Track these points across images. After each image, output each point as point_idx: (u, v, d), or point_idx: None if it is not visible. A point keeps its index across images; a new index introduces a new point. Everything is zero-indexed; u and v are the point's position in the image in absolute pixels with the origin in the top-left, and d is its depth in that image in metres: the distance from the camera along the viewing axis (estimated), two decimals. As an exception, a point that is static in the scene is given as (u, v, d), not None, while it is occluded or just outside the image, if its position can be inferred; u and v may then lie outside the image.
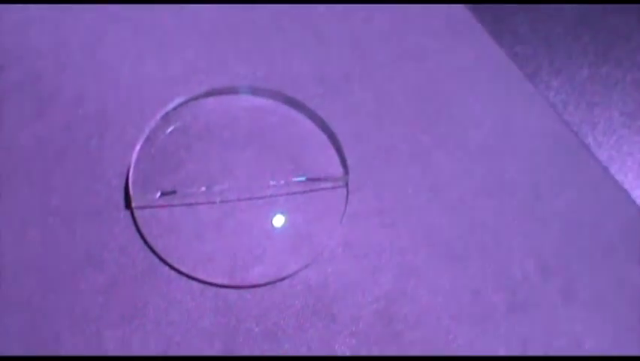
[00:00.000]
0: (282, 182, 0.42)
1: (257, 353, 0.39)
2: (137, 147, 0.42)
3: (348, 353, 0.39)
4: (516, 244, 0.42)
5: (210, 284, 0.40)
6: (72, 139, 0.43)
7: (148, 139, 0.43)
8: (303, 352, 0.39)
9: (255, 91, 0.44)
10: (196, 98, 0.44)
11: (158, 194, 0.41)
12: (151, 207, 0.41)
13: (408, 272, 0.41)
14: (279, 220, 0.42)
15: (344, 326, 0.40)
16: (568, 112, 0.45)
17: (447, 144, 0.44)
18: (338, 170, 0.43)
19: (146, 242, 0.41)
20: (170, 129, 0.43)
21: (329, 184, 0.43)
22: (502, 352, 0.40)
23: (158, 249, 0.41)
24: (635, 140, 0.43)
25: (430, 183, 0.43)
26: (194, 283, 0.41)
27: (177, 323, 0.39)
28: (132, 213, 0.41)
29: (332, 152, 0.43)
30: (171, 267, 0.41)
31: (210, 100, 0.44)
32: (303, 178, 0.42)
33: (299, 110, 0.44)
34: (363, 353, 0.39)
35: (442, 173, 0.44)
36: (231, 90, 0.44)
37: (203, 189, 0.42)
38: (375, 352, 0.39)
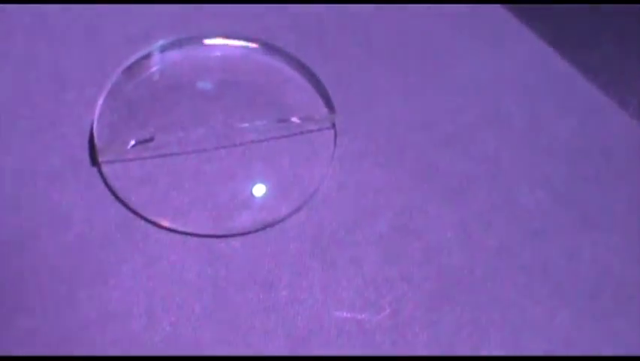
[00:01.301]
0: (263, 124, 0.40)
1: (253, 303, 0.36)
2: (100, 102, 0.40)
3: (353, 296, 0.36)
4: (523, 174, 0.41)
5: (193, 235, 0.38)
6: (26, 101, 0.40)
7: (111, 94, 0.40)
8: (304, 298, 0.36)
9: (225, 39, 0.42)
10: (161, 49, 0.42)
11: (132, 143, 0.38)
12: (120, 160, 0.39)
13: (410, 209, 0.39)
14: (263, 166, 0.39)
15: (346, 269, 0.37)
16: (559, 43, 0.44)
17: (436, 82, 0.43)
18: (323, 112, 0.41)
19: (117, 197, 0.38)
20: (134, 83, 0.41)
21: (315, 125, 0.41)
22: (522, 280, 0.37)
23: (131, 203, 0.38)
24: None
25: (423, 120, 0.42)
26: (175, 235, 0.37)
27: (159, 277, 0.36)
28: (100, 170, 0.39)
29: (315, 95, 0.41)
30: (147, 220, 0.38)
31: (177, 51, 0.42)
32: (285, 119, 0.40)
33: (275, 55, 0.42)
34: (371, 295, 0.36)
35: (435, 110, 0.42)
36: (199, 39, 0.42)
37: (179, 135, 0.39)
38: (384, 292, 0.37)
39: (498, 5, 0.46)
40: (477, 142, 0.41)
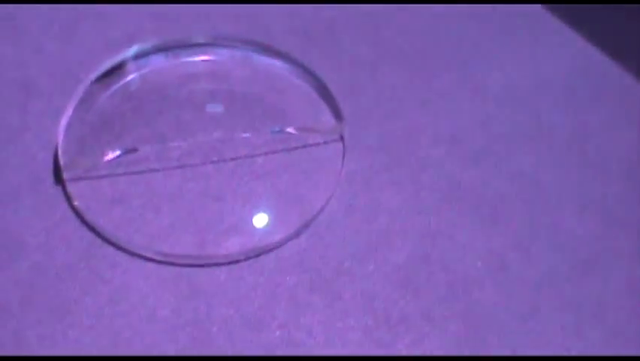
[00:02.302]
0: (259, 136, 0.35)
1: (238, 344, 0.30)
2: (68, 112, 0.35)
3: (361, 337, 0.30)
4: (568, 195, 0.35)
5: (170, 263, 0.32)
6: (-15, 111, 0.36)
7: (82, 103, 0.35)
8: (302, 339, 0.30)
9: (216, 41, 0.37)
10: (141, 54, 0.37)
11: (103, 158, 0.33)
12: (88, 178, 0.34)
13: (433, 235, 0.33)
14: (257, 184, 0.34)
15: (354, 305, 0.31)
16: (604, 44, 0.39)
17: (463, 89, 0.38)
18: (330, 122, 0.36)
19: (83, 220, 0.33)
20: (109, 91, 0.36)
21: (320, 137, 0.35)
22: (570, 320, 0.31)
23: (98, 226, 0.32)
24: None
25: (447, 132, 0.36)
26: (149, 264, 0.32)
27: (126, 314, 0.31)
28: (64, 189, 0.34)
29: (321, 103, 0.36)
30: (116, 246, 0.32)
31: (159, 56, 0.37)
32: (284, 129, 0.35)
33: (274, 59, 0.37)
34: (384, 337, 0.30)
35: (461, 121, 0.37)
36: (186, 42, 0.37)
37: (159, 149, 0.34)
38: (401, 332, 0.31)
39: (537, 5, 0.40)
40: (512, 158, 0.36)
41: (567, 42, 0.39)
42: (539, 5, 0.40)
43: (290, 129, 0.35)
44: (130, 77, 0.36)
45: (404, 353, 0.30)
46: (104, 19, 0.39)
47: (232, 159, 0.34)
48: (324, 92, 0.36)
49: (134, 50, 0.36)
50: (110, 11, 0.39)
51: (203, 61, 0.37)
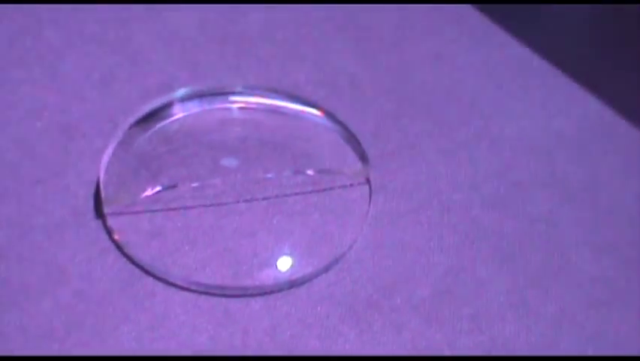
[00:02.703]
0: (289, 176, 0.37)
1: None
2: (109, 151, 0.37)
3: (392, 366, 0.32)
4: (583, 238, 0.37)
5: (206, 293, 0.34)
6: (28, 151, 0.38)
7: (121, 144, 0.37)
8: (334, 367, 0.32)
9: (248, 90, 0.40)
10: (179, 100, 0.39)
11: (142, 194, 0.35)
12: (128, 213, 0.36)
13: (456, 272, 0.35)
14: (288, 221, 0.36)
15: (383, 333, 0.33)
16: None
17: (481, 139, 0.40)
18: (357, 165, 0.38)
19: (122, 252, 0.35)
20: (147, 134, 0.38)
21: (347, 179, 0.37)
22: (589, 353, 0.33)
23: (137, 257, 0.34)
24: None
25: (468, 179, 0.38)
26: (186, 294, 0.34)
27: (164, 338, 0.32)
28: (104, 223, 0.35)
29: (347, 148, 0.38)
30: (155, 276, 0.34)
31: (194, 102, 0.39)
32: (313, 173, 0.37)
33: (303, 107, 0.39)
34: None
35: (481, 168, 0.39)
36: (221, 91, 0.40)
37: (195, 187, 0.36)
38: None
39: (547, 62, 0.43)
40: (529, 202, 0.38)
41: (577, 97, 0.42)
42: (551, 64, 0.43)
43: (318, 172, 0.37)
44: (168, 120, 0.38)
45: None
46: (140, 67, 0.42)
47: (264, 199, 0.37)
48: (351, 139, 0.38)
49: (176, 95, 0.39)
50: (146, 60, 0.42)
51: (238, 108, 0.39)
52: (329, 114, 0.39)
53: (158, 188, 0.36)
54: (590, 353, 0.33)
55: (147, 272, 0.34)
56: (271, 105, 0.39)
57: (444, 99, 0.41)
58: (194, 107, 0.39)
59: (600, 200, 0.38)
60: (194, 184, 0.36)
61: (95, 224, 0.36)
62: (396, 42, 0.44)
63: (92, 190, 0.37)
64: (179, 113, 0.39)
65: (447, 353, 0.33)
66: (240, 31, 0.44)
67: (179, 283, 0.34)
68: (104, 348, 0.32)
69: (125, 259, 0.35)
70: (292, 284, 0.34)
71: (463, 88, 0.42)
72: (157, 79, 0.41)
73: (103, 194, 0.35)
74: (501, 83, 0.42)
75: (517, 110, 0.41)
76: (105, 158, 0.36)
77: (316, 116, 0.39)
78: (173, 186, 0.36)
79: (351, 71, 0.42)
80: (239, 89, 0.40)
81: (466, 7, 0.45)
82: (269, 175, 0.37)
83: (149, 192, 0.36)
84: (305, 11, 0.45)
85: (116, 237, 0.35)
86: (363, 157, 0.38)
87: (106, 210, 0.35)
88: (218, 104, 0.39)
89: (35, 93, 0.40)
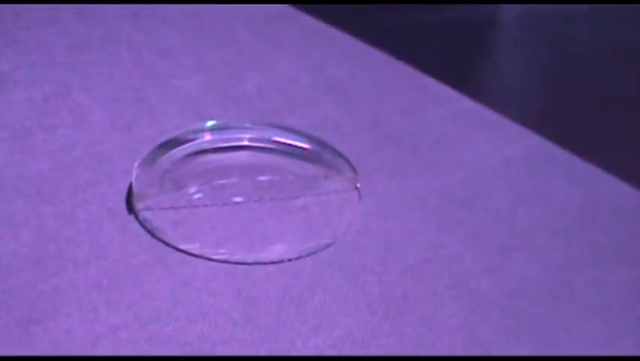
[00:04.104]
0: (294, 182, 0.45)
1: (282, 316, 0.38)
2: (137, 164, 0.44)
3: (385, 309, 0.39)
4: (536, 226, 0.45)
5: (227, 262, 0.41)
6: (68, 172, 0.45)
7: (147, 160, 0.45)
8: (335, 320, 0.39)
9: (252, 125, 0.48)
10: (192, 131, 0.47)
11: (176, 190, 0.43)
12: (156, 208, 0.43)
13: (435, 247, 0.43)
14: (295, 214, 0.43)
15: (378, 289, 0.40)
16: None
17: (447, 161, 0.49)
18: (348, 174, 0.46)
19: (153, 235, 0.42)
20: (167, 154, 0.46)
21: (341, 186, 0.45)
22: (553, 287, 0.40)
23: (167, 238, 0.41)
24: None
25: (439, 187, 0.47)
26: (210, 263, 0.40)
27: (193, 298, 0.39)
28: (136, 217, 0.42)
29: (341, 163, 0.46)
30: (184, 252, 0.41)
31: (208, 133, 0.47)
32: (313, 176, 0.45)
33: (299, 135, 0.48)
34: (401, 310, 0.39)
35: (449, 179, 0.47)
36: (231, 125, 0.48)
37: (214, 187, 0.44)
38: (414, 305, 0.39)
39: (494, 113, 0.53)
40: (491, 202, 0.46)
41: (516, 135, 0.51)
42: (498, 113, 0.52)
43: (318, 177, 0.45)
44: (185, 145, 0.46)
45: (418, 323, 0.38)
46: (155, 118, 0.50)
47: (271, 199, 0.44)
48: (341, 158, 0.47)
49: (194, 125, 0.47)
50: (161, 113, 0.51)
51: (248, 137, 0.47)
52: (322, 143, 0.47)
53: (181, 189, 0.43)
54: (553, 287, 0.40)
55: (176, 249, 0.41)
56: (272, 135, 0.48)
57: (413, 138, 0.50)
58: (207, 136, 0.47)
59: (546, 202, 0.47)
60: (213, 185, 0.44)
61: (128, 218, 0.43)
62: (371, 98, 0.53)
63: (124, 195, 0.44)
64: (194, 139, 0.47)
65: (431, 301, 0.39)
66: (239, 92, 0.53)
67: (204, 254, 0.41)
68: (141, 304, 0.38)
69: (155, 240, 0.41)
70: (299, 254, 0.41)
71: (427, 130, 0.51)
72: (170, 126, 0.50)
73: (135, 190, 0.43)
74: (460, 125, 0.52)
75: (475, 143, 0.50)
76: (135, 169, 0.44)
77: (314, 141, 0.47)
78: (193, 187, 0.44)
79: (335, 119, 0.51)
80: (249, 125, 0.48)
81: (424, 76, 0.56)
82: (276, 178, 0.45)
83: (173, 191, 0.43)
84: (293, 77, 0.54)
85: (146, 224, 0.42)
86: (353, 169, 0.46)
87: (138, 205, 0.42)
88: (229, 135, 0.47)
89: (68, 134, 0.48)
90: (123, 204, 0.43)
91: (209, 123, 0.48)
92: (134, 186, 0.43)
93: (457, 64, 0.54)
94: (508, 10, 1.23)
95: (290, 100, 0.53)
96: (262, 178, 0.45)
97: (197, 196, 0.44)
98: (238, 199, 0.44)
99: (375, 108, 0.53)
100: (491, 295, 0.40)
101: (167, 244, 0.41)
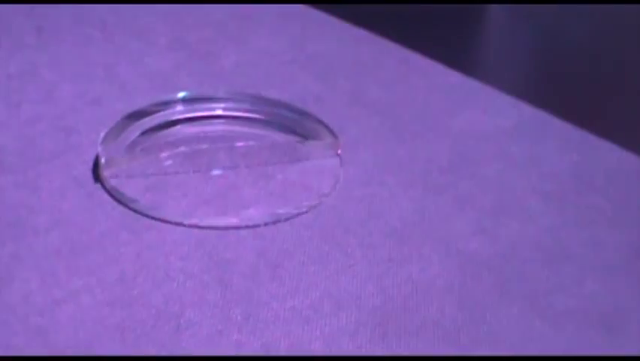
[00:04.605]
0: (273, 148, 0.42)
1: (259, 277, 0.36)
2: (102, 134, 0.42)
3: (366, 268, 0.36)
4: (525, 187, 0.43)
5: (199, 227, 0.38)
6: (31, 143, 0.43)
7: (115, 130, 0.42)
8: (317, 281, 0.36)
9: (236, 96, 0.46)
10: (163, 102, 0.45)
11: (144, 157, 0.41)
12: (124, 176, 0.40)
13: (421, 211, 0.40)
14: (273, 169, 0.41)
15: (360, 251, 0.37)
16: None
17: (431, 130, 0.47)
18: (329, 139, 0.43)
19: (120, 202, 0.39)
20: (135, 125, 0.43)
21: (321, 152, 0.43)
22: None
23: (134, 205, 0.39)
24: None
25: (424, 155, 0.45)
26: (181, 229, 0.38)
27: (160, 262, 0.36)
28: (103, 185, 0.40)
29: (321, 129, 0.44)
30: (152, 218, 0.38)
31: (180, 104, 0.45)
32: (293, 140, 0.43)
33: (282, 107, 0.45)
34: (387, 268, 0.36)
35: (434, 147, 0.45)
36: (204, 96, 0.46)
37: (185, 153, 0.41)
38: (397, 266, 0.37)
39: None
40: (480, 168, 0.44)
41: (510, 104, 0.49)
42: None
43: (298, 141, 0.43)
44: (151, 116, 0.44)
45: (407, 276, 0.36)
46: (126, 93, 0.48)
47: (248, 166, 0.42)
48: (322, 124, 0.44)
49: (182, 94, 0.45)
50: (132, 88, 0.48)
51: (222, 107, 0.45)
52: (301, 111, 0.45)
53: (149, 156, 0.41)
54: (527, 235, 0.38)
55: (144, 215, 0.38)
56: (250, 105, 0.46)
57: (396, 108, 0.48)
58: (179, 107, 0.45)
59: (538, 167, 0.44)
60: (184, 152, 0.42)
61: (94, 187, 0.40)
62: (352, 73, 0.51)
63: (90, 166, 0.41)
64: (165, 110, 0.45)
65: (417, 263, 0.37)
66: (216, 69, 0.51)
67: (173, 220, 0.38)
68: (105, 269, 0.35)
69: (122, 208, 0.39)
70: (276, 219, 0.39)
71: (411, 101, 0.49)
72: (142, 101, 0.47)
73: (102, 158, 0.40)
74: (448, 97, 0.50)
75: (463, 113, 0.48)
76: (102, 137, 0.42)
77: (292, 110, 0.45)
78: (164, 154, 0.41)
79: (314, 92, 0.49)
80: (223, 94, 0.46)
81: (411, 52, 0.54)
82: (252, 144, 0.42)
83: (143, 158, 0.41)
84: (272, 53, 0.52)
85: (114, 192, 0.39)
86: (333, 135, 0.44)
87: (105, 173, 0.40)
88: (201, 105, 0.45)
89: (34, 109, 0.46)
90: (89, 173, 0.41)
91: (181, 94, 0.46)
92: (100, 153, 0.41)
93: (445, 49, 0.52)
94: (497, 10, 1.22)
95: (269, 75, 0.51)
96: (238, 144, 0.42)
97: (168, 163, 0.41)
98: (212, 166, 0.42)
99: (357, 81, 0.51)
100: (481, 257, 0.38)
101: (135, 211, 0.39)
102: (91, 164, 0.42)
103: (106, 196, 0.40)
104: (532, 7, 1.16)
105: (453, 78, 0.52)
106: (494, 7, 1.21)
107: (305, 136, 0.44)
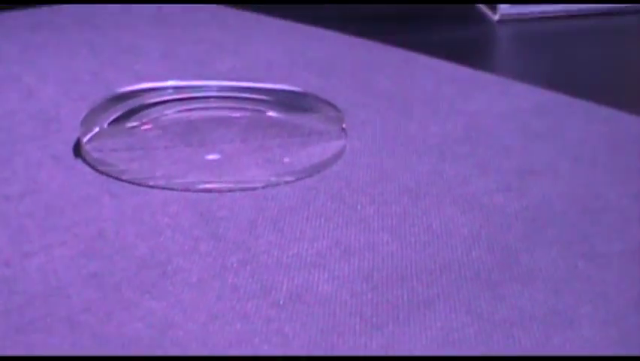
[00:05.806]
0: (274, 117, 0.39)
1: (261, 238, 0.32)
2: (84, 114, 0.39)
3: (372, 224, 0.32)
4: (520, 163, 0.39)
5: (189, 191, 0.34)
6: (9, 130, 0.40)
7: (96, 110, 0.39)
8: (325, 245, 0.32)
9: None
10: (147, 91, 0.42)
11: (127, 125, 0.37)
12: (108, 150, 0.37)
13: (438, 171, 0.36)
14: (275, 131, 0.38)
15: (372, 209, 0.34)
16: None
17: (439, 110, 0.43)
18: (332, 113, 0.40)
19: (102, 172, 0.36)
20: (117, 105, 0.40)
21: (325, 125, 0.39)
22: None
23: (120, 174, 0.35)
24: None
25: (431, 126, 0.41)
26: (168, 192, 0.34)
27: (141, 222, 0.32)
28: (84, 160, 0.37)
29: (324, 105, 0.41)
30: (139, 184, 0.35)
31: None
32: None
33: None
34: (391, 222, 0.32)
35: (441, 122, 0.42)
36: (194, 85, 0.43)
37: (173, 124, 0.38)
38: (403, 215, 0.33)
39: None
40: (489, 138, 0.40)
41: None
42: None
43: (301, 114, 0.40)
44: (142, 96, 0.41)
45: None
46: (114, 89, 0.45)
47: (245, 140, 0.38)
48: (325, 101, 0.41)
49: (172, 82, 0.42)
50: (121, 85, 0.46)
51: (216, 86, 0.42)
52: (302, 93, 0.42)
53: (134, 130, 0.38)
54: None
55: (130, 182, 0.35)
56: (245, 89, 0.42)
57: (406, 94, 0.45)
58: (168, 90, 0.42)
59: (563, 138, 0.41)
60: (173, 126, 0.38)
61: (74, 161, 0.37)
62: (356, 72, 0.49)
63: (71, 146, 0.38)
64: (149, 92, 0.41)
65: (437, 215, 0.33)
66: (210, 73, 0.48)
67: (161, 184, 0.35)
68: (83, 227, 0.32)
69: (104, 177, 0.35)
70: (277, 182, 0.35)
71: (422, 90, 0.46)
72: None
73: (84, 135, 0.37)
74: (460, 86, 0.47)
75: (478, 98, 0.45)
76: (85, 113, 0.39)
77: (294, 91, 0.42)
78: (150, 129, 0.38)
79: (317, 86, 0.46)
80: (215, 82, 0.43)
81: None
82: (251, 116, 0.39)
83: (126, 132, 0.38)
84: (270, 59, 0.50)
85: (95, 164, 0.36)
86: (336, 110, 0.40)
87: (87, 147, 0.37)
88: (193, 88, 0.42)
89: (14, 106, 0.43)
90: (69, 151, 0.38)
91: (171, 82, 0.43)
92: (81, 128, 0.37)
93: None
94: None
95: (267, 75, 0.48)
96: (234, 115, 0.39)
97: (156, 137, 0.38)
98: (206, 142, 0.38)
99: (362, 77, 0.48)
100: (509, 208, 0.34)
101: (119, 179, 0.35)
102: (71, 145, 0.38)
103: (87, 169, 0.36)
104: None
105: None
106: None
107: (306, 110, 0.40)
